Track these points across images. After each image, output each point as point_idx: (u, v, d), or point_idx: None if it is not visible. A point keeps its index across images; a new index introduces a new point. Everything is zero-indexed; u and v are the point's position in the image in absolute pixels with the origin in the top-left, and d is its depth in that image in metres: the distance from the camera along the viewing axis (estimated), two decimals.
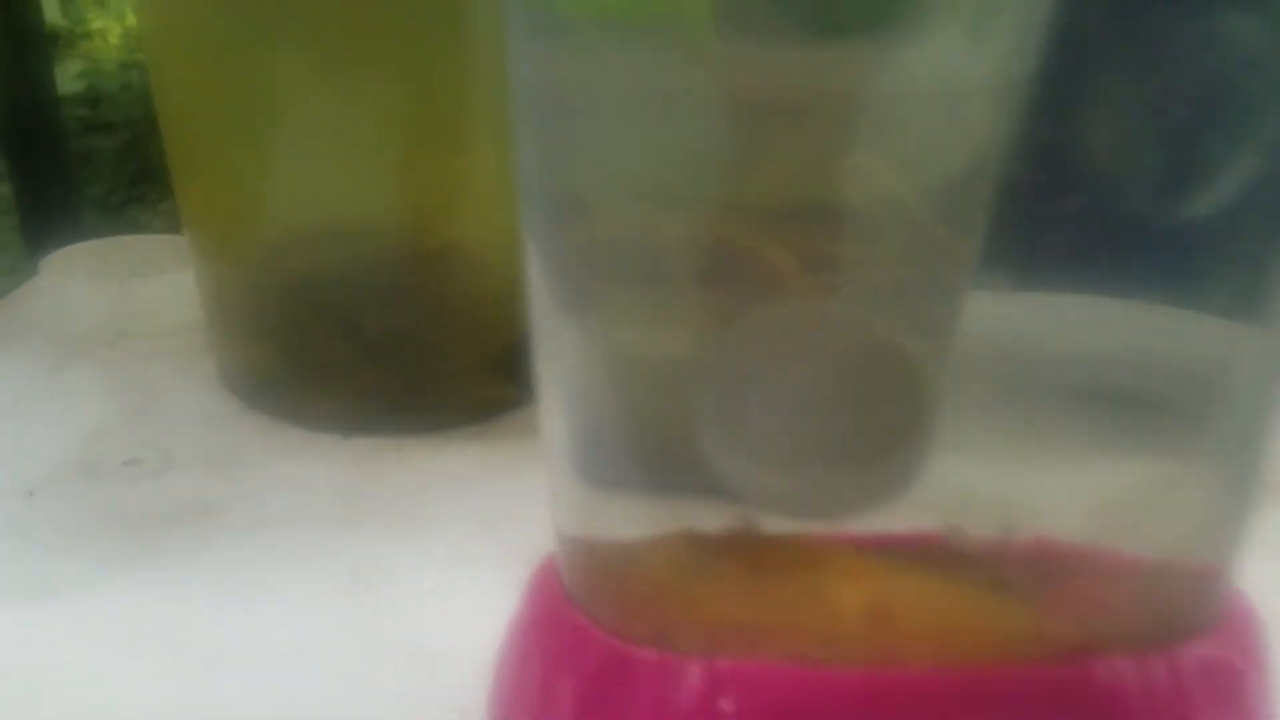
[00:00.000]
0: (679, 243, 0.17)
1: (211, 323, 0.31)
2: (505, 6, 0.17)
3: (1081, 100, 0.15)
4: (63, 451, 0.27)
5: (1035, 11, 0.15)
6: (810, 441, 0.17)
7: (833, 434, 0.17)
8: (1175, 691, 0.16)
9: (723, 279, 0.18)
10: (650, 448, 0.18)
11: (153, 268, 0.38)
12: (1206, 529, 0.17)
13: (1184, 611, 0.17)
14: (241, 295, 0.30)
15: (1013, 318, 0.18)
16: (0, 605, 0.22)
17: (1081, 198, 0.16)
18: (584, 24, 0.16)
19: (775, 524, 0.18)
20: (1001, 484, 0.18)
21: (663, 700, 0.16)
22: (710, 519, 0.18)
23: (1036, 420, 0.18)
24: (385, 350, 0.29)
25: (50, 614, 0.22)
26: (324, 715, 0.19)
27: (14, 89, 0.54)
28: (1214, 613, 0.17)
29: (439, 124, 0.27)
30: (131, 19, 1.18)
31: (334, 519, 0.25)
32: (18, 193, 0.53)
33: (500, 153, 0.27)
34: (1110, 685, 0.16)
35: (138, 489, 0.26)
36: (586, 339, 0.18)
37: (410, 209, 0.28)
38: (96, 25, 1.58)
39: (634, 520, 0.18)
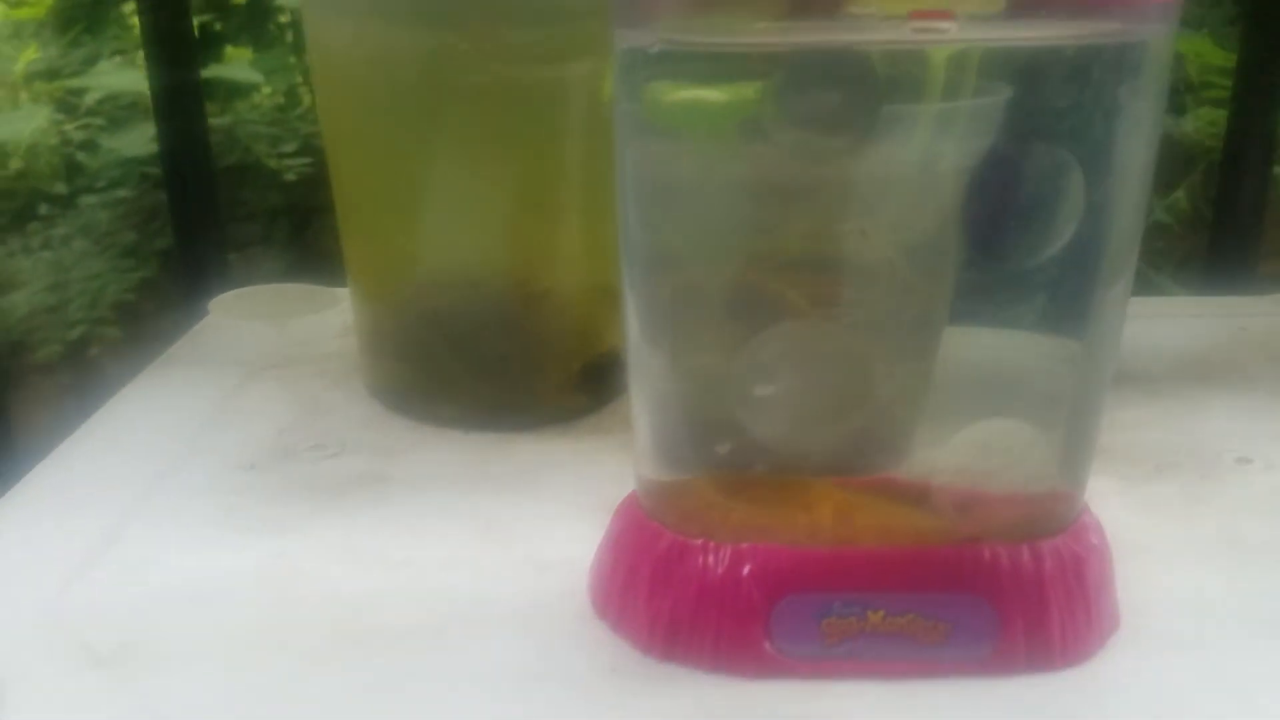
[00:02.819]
0: (726, 286, 0.27)
1: (364, 347, 0.41)
2: (616, 117, 0.26)
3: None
4: (265, 440, 0.37)
5: (985, 118, 0.25)
6: (807, 415, 0.27)
7: (821, 411, 0.26)
8: (1034, 568, 0.26)
9: (753, 312, 0.27)
10: (706, 427, 0.27)
11: (299, 310, 0.49)
12: (1055, 469, 0.27)
13: (1043, 519, 0.26)
14: (390, 326, 0.40)
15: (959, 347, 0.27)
16: (243, 535, 0.32)
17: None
18: (669, 132, 0.26)
19: (781, 470, 0.27)
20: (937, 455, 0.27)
21: (706, 569, 0.26)
22: (740, 470, 0.27)
23: (966, 407, 0.27)
24: (495, 368, 0.39)
25: (284, 541, 0.31)
26: (478, 601, 0.29)
27: (174, 140, 0.62)
28: (1066, 521, 0.27)
29: (540, 203, 0.37)
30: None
31: (467, 487, 0.35)
32: (177, 230, 0.62)
33: (583, 225, 0.37)
34: (991, 561, 0.25)
35: (326, 465, 0.36)
36: (664, 359, 0.27)
37: (517, 264, 0.38)
38: None
39: (690, 471, 0.28)
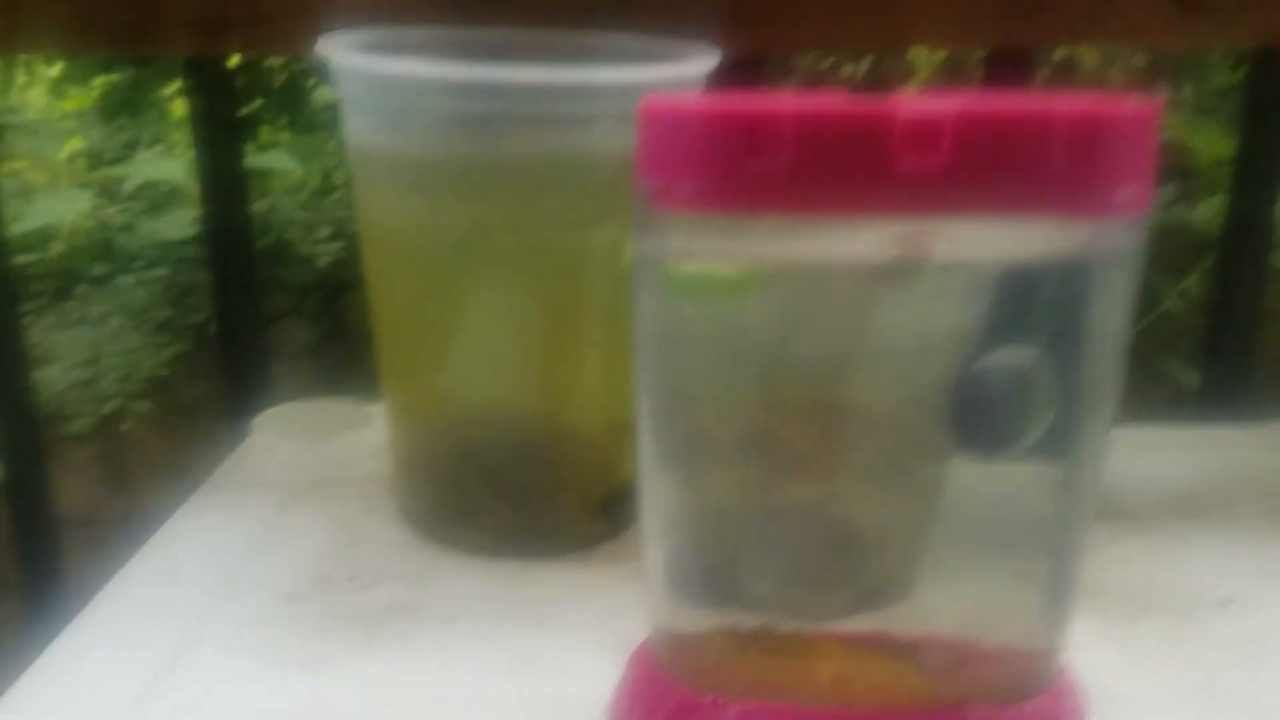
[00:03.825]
0: (738, 429, 0.30)
1: (397, 474, 0.44)
2: (635, 281, 0.29)
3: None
4: (304, 569, 0.40)
5: (975, 288, 0.27)
6: (805, 576, 0.29)
7: (818, 572, 0.29)
8: None
9: (764, 454, 0.30)
10: (714, 571, 0.30)
11: (337, 428, 0.51)
12: (1038, 629, 0.29)
13: (1027, 680, 0.29)
14: (423, 457, 0.43)
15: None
16: (284, 672, 0.34)
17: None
18: (685, 297, 0.29)
19: (785, 625, 0.30)
20: (932, 603, 0.30)
21: None
22: (746, 621, 0.30)
23: (948, 563, 0.30)
24: (520, 498, 0.42)
25: (318, 679, 0.34)
26: None
27: (218, 223, 0.64)
28: (1048, 681, 0.29)
29: (565, 348, 0.40)
30: None
31: (493, 617, 0.37)
32: (219, 313, 0.65)
33: (605, 367, 0.40)
34: None
35: (360, 596, 0.38)
36: (676, 494, 0.30)
37: (544, 403, 0.41)
38: None
39: (701, 620, 0.30)
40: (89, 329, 1.48)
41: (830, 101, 0.25)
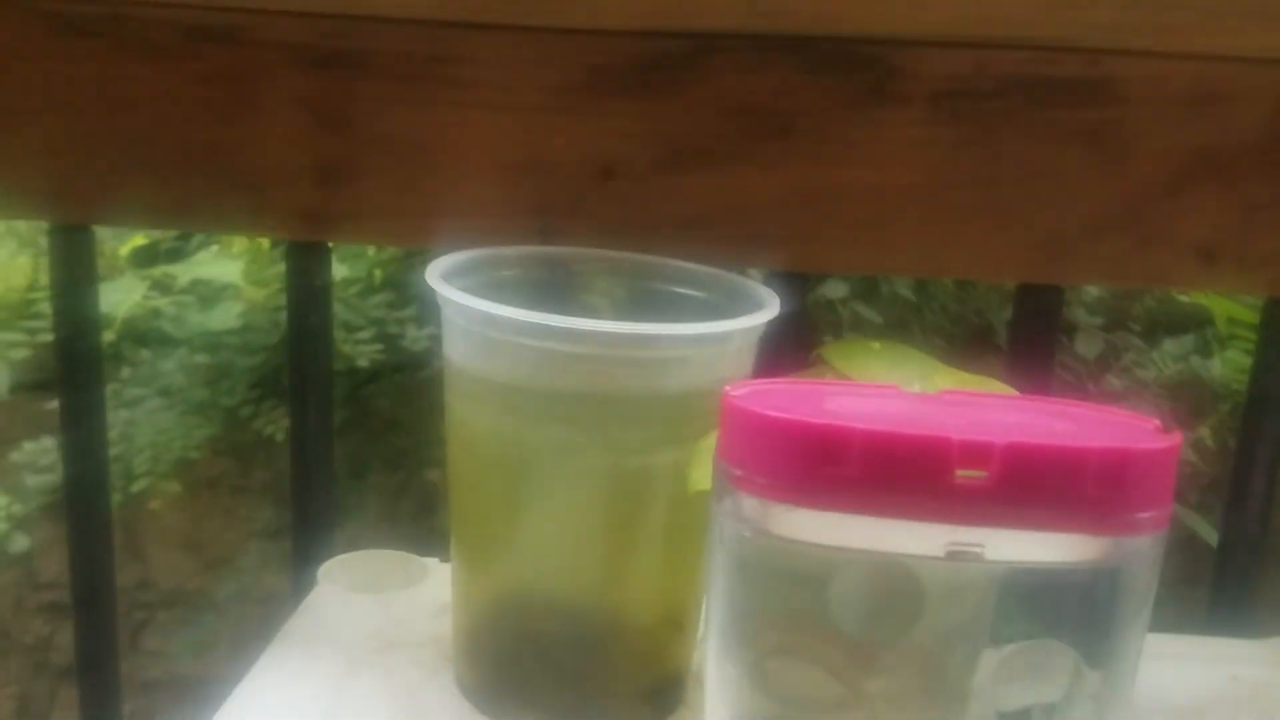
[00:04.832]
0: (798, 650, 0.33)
1: (458, 645, 0.47)
2: (711, 524, 0.33)
3: None
4: None
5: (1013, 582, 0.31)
6: None
7: None
8: None
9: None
10: None
11: (398, 583, 0.55)
12: None
13: None
14: (485, 635, 0.46)
15: None
16: None
17: None
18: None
19: None
20: None
21: None
22: None
23: None
24: (574, 682, 0.45)
25: None
26: None
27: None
28: None
29: (627, 552, 0.44)
30: None
31: None
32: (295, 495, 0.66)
33: (662, 572, 0.43)
34: None
35: None
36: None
37: (603, 599, 0.45)
38: None
39: None
40: (125, 410, 1.52)
41: (894, 418, 0.29)
